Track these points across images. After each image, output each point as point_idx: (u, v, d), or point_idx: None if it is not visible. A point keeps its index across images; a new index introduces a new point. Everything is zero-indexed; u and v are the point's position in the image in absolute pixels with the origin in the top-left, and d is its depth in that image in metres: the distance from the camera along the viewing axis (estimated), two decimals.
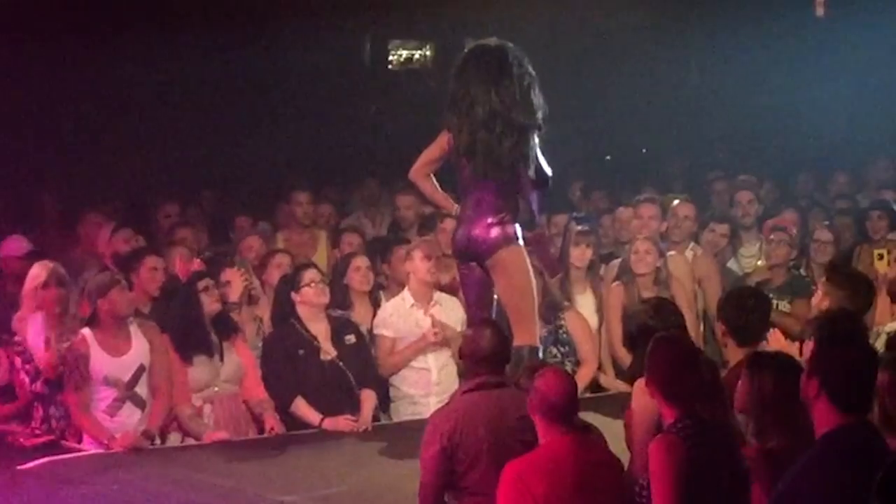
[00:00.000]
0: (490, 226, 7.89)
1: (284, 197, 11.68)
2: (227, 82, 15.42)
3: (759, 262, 10.52)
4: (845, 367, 4.84)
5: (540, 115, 7.98)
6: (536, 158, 7.99)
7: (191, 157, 14.31)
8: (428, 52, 20.16)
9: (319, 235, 11.18)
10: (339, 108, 16.92)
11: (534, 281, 8.05)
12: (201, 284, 8.69)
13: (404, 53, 20.04)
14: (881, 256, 9.36)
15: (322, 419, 8.69)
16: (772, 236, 10.04)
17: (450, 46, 19.88)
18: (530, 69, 8.07)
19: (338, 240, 10.83)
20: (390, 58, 19.83)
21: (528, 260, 8.03)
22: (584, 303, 9.82)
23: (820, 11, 17.14)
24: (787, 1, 16.01)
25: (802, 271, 10.00)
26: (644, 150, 16.80)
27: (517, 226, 7.98)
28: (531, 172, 7.96)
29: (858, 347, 5.06)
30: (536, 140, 7.98)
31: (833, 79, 15.42)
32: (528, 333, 7.88)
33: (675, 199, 10.80)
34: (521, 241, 7.97)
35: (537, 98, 8.00)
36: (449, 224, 9.84)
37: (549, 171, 8.07)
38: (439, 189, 8.30)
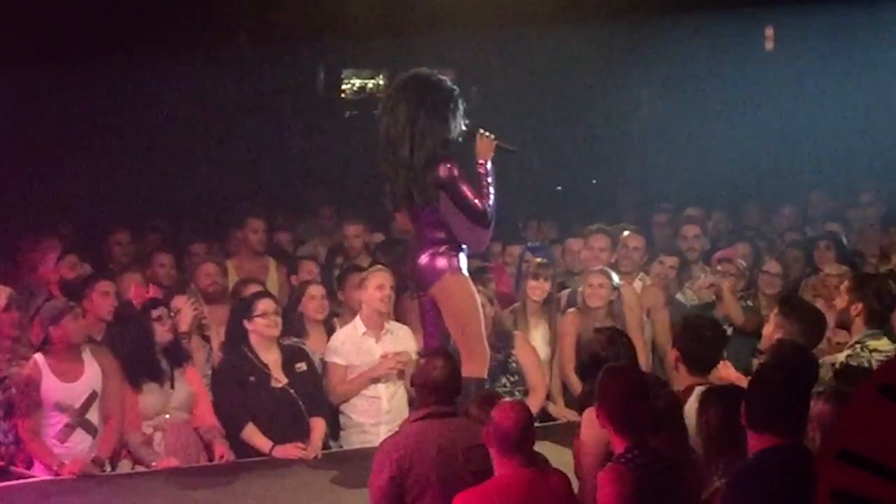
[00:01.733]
0: (431, 255, 8.11)
1: (238, 224, 11.69)
2: (182, 109, 15.43)
3: (702, 296, 10.63)
4: (765, 390, 5.00)
5: (437, 147, 8.07)
6: (453, 188, 8.05)
7: (143, 183, 14.31)
8: (381, 81, 20.27)
9: (269, 263, 11.18)
10: (294, 135, 16.97)
11: (480, 311, 8.16)
12: (155, 313, 8.70)
13: (357, 82, 20.14)
14: (823, 287, 9.47)
15: (272, 446, 8.69)
16: (719, 267, 10.13)
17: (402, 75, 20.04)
18: (444, 96, 8.17)
19: (294, 267, 10.84)
20: (344, 86, 19.93)
21: (472, 289, 8.16)
22: (536, 334, 9.87)
23: (769, 45, 17.37)
24: (737, 34, 16.17)
25: (750, 302, 10.09)
26: (594, 182, 16.90)
27: (461, 256, 8.12)
28: (443, 204, 8.07)
29: (782, 372, 5.16)
30: (453, 171, 8.04)
31: (782, 111, 15.61)
32: (474, 365, 7.97)
33: (625, 230, 10.86)
34: (464, 271, 8.11)
35: (446, 128, 8.12)
36: None
37: (480, 204, 8.09)
38: None
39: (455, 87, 8.30)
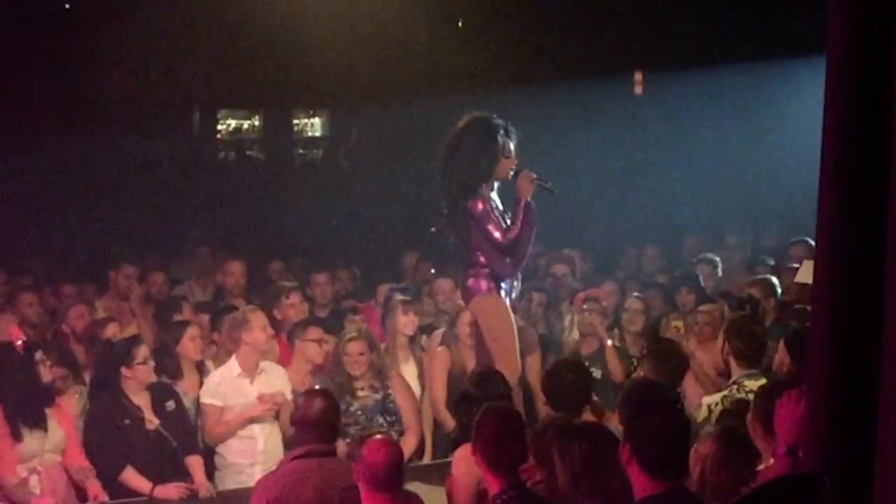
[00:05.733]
0: (471, 276, 9.19)
1: (111, 266, 11.66)
2: (54, 149, 15.33)
3: (568, 334, 10.81)
4: (653, 433, 4.91)
5: (471, 184, 9.04)
6: (479, 222, 9.06)
7: (17, 224, 14.18)
8: (256, 122, 20.30)
9: (138, 304, 11.11)
10: (169, 175, 16.92)
11: (513, 328, 9.14)
12: (38, 355, 8.64)
13: (233, 122, 20.14)
14: (677, 329, 9.67)
15: (153, 487, 8.66)
16: (584, 306, 10.32)
17: (277, 116, 20.08)
18: (493, 141, 9.10)
19: (170, 308, 10.84)
20: (219, 127, 19.91)
21: (503, 309, 9.14)
22: (407, 371, 9.93)
23: (637, 90, 17.67)
24: (607, 82, 16.42)
25: (618, 342, 10.27)
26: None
27: (496, 278, 9.14)
28: (474, 233, 9.09)
29: (667, 415, 5.11)
30: (479, 207, 9.04)
31: (649, 155, 15.89)
32: (504, 372, 8.20)
33: None
34: (499, 292, 9.15)
35: (478, 169, 9.06)
36: (294, 298, 10.46)
37: (502, 238, 9.05)
38: None
39: (499, 127, 9.17)
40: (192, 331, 9.63)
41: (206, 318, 10.40)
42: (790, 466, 5.17)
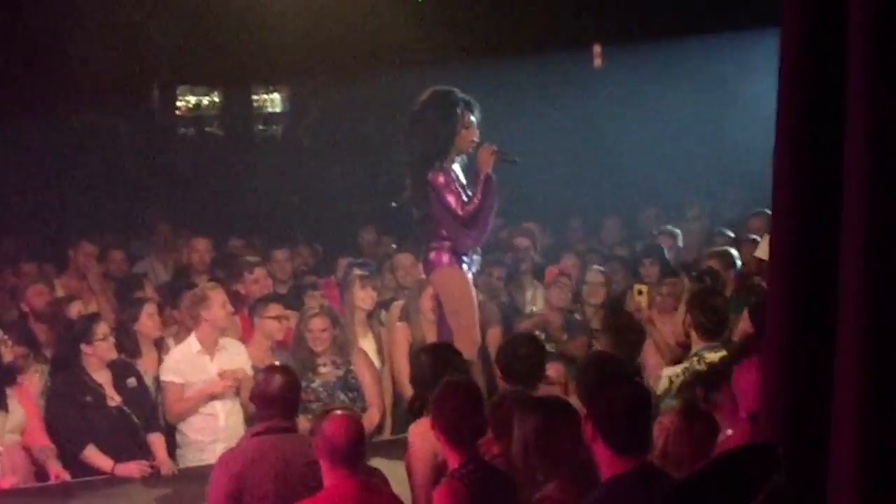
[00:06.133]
0: (433, 249, 9.16)
1: (71, 244, 11.63)
2: (14, 126, 15.23)
3: (534, 308, 10.84)
4: (616, 410, 4.90)
5: (432, 157, 9.05)
6: (440, 194, 9.02)
7: None
8: (216, 98, 20.23)
9: (97, 282, 11.09)
10: (129, 152, 16.85)
11: (473, 301, 9.10)
12: None
13: (192, 99, 20.07)
14: (640, 292, 9.70)
15: (114, 465, 8.65)
16: (557, 279, 10.35)
17: (236, 92, 20.02)
18: (453, 114, 9.09)
19: (130, 285, 10.79)
20: (178, 103, 19.84)
21: (465, 281, 9.10)
22: (366, 346, 9.96)
23: (597, 63, 17.69)
24: (567, 55, 16.43)
25: (577, 315, 10.30)
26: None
27: (457, 252, 9.10)
28: (435, 205, 9.05)
29: (628, 390, 5.11)
30: (441, 179, 8.99)
31: (608, 128, 15.92)
32: (463, 346, 8.30)
33: None
34: (460, 265, 9.09)
35: (439, 142, 9.06)
36: (258, 273, 10.44)
37: (461, 211, 9.01)
38: None
39: (460, 100, 9.14)
40: (149, 308, 9.59)
41: (164, 295, 10.38)
42: (751, 433, 5.19)
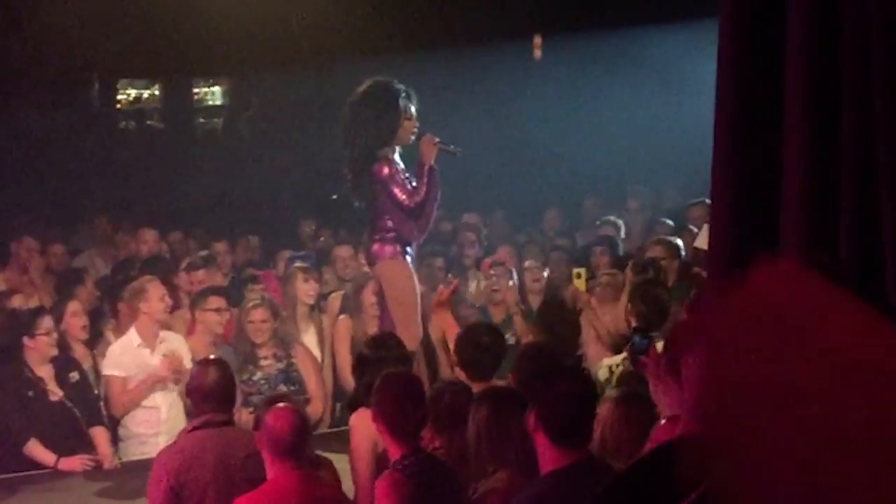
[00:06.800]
0: (376, 241, 9.20)
1: (12, 237, 11.55)
2: None
3: (474, 300, 10.83)
4: (560, 401, 4.93)
5: (374, 148, 9.10)
6: (385, 185, 9.08)
7: None
8: (156, 91, 20.12)
9: (38, 276, 11.00)
10: (69, 145, 16.73)
11: (416, 294, 9.14)
12: None
13: (132, 92, 19.96)
14: (578, 275, 9.68)
15: (57, 459, 8.61)
16: (492, 271, 10.35)
17: (177, 85, 19.92)
18: (394, 104, 9.15)
19: (70, 279, 10.70)
20: (118, 96, 19.72)
21: (409, 274, 9.16)
22: (308, 339, 9.96)
23: (537, 54, 17.71)
24: (507, 45, 16.45)
25: (522, 305, 10.31)
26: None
27: (402, 243, 9.14)
28: (381, 198, 9.11)
29: (572, 382, 5.15)
30: (385, 170, 9.05)
31: (549, 118, 15.94)
32: (406, 340, 8.15)
33: None
34: (405, 257, 9.17)
35: (381, 132, 9.11)
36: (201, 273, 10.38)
37: (409, 202, 9.09)
38: None
39: (399, 91, 9.20)
40: (73, 306, 9.53)
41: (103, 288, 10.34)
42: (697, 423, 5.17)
